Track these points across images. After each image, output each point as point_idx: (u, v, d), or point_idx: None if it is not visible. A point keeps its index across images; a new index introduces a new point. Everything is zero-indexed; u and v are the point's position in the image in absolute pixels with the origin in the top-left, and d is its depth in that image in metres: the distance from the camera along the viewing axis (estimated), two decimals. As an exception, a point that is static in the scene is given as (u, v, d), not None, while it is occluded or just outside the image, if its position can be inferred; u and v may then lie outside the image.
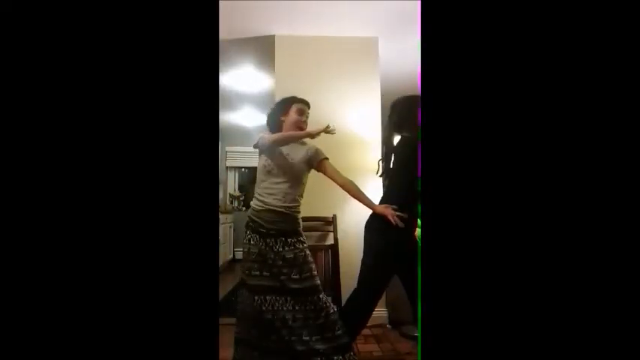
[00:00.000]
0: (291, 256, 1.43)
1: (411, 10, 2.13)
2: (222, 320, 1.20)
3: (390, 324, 2.28)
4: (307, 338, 1.38)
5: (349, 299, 1.56)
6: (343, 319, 1.47)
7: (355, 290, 1.56)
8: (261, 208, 1.46)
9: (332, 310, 1.43)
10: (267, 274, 1.42)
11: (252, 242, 1.46)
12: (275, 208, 1.45)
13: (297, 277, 1.42)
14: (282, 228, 1.45)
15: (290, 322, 1.38)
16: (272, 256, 1.43)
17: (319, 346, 1.37)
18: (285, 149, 1.50)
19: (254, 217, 1.47)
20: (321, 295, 1.43)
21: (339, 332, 1.41)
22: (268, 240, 1.44)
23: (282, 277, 1.41)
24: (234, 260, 4.69)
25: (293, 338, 1.37)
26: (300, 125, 1.52)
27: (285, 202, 1.45)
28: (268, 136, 1.46)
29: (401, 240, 1.45)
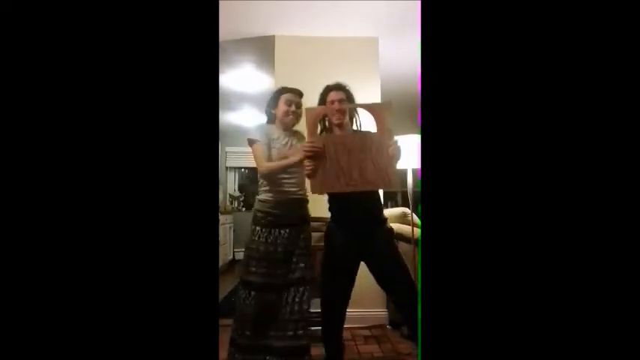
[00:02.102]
0: (303, 244, 1.47)
1: (411, 10, 2.13)
2: (222, 321, 1.19)
3: (390, 324, 2.28)
4: (272, 333, 1.38)
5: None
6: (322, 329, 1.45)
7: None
8: (274, 199, 1.45)
9: (299, 308, 1.41)
10: (272, 271, 1.42)
11: (260, 238, 1.44)
12: (294, 196, 1.47)
13: (302, 265, 1.44)
14: (297, 217, 1.48)
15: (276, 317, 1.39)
16: (281, 249, 1.43)
17: (276, 344, 1.36)
18: (283, 140, 1.50)
19: (267, 210, 1.45)
20: (300, 288, 1.43)
21: (300, 332, 1.38)
22: (282, 231, 1.44)
23: (284, 270, 1.42)
24: (233, 261, 4.69)
25: (270, 333, 1.38)
26: (289, 116, 1.52)
27: (299, 188, 1.48)
28: (265, 166, 1.43)
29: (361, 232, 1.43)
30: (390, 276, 1.45)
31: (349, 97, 1.53)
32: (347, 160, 1.30)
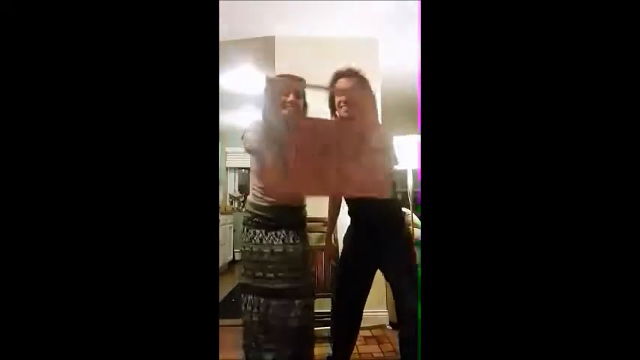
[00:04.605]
0: (291, 250, 1.32)
1: (411, 10, 2.13)
2: (222, 321, 1.18)
3: (390, 324, 2.28)
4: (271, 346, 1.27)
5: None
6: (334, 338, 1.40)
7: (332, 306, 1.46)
8: (269, 202, 1.32)
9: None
10: (270, 275, 1.31)
11: (254, 241, 1.34)
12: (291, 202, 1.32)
13: (297, 275, 1.31)
14: (292, 219, 1.34)
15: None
16: (275, 250, 1.31)
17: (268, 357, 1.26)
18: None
19: (258, 212, 1.34)
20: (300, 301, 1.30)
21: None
22: (278, 233, 1.31)
23: (280, 275, 1.30)
24: (234, 261, 4.68)
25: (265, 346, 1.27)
26: (286, 109, 1.23)
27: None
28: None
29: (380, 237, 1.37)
30: (400, 299, 1.33)
31: (363, 85, 1.28)
32: (320, 154, 0.92)
